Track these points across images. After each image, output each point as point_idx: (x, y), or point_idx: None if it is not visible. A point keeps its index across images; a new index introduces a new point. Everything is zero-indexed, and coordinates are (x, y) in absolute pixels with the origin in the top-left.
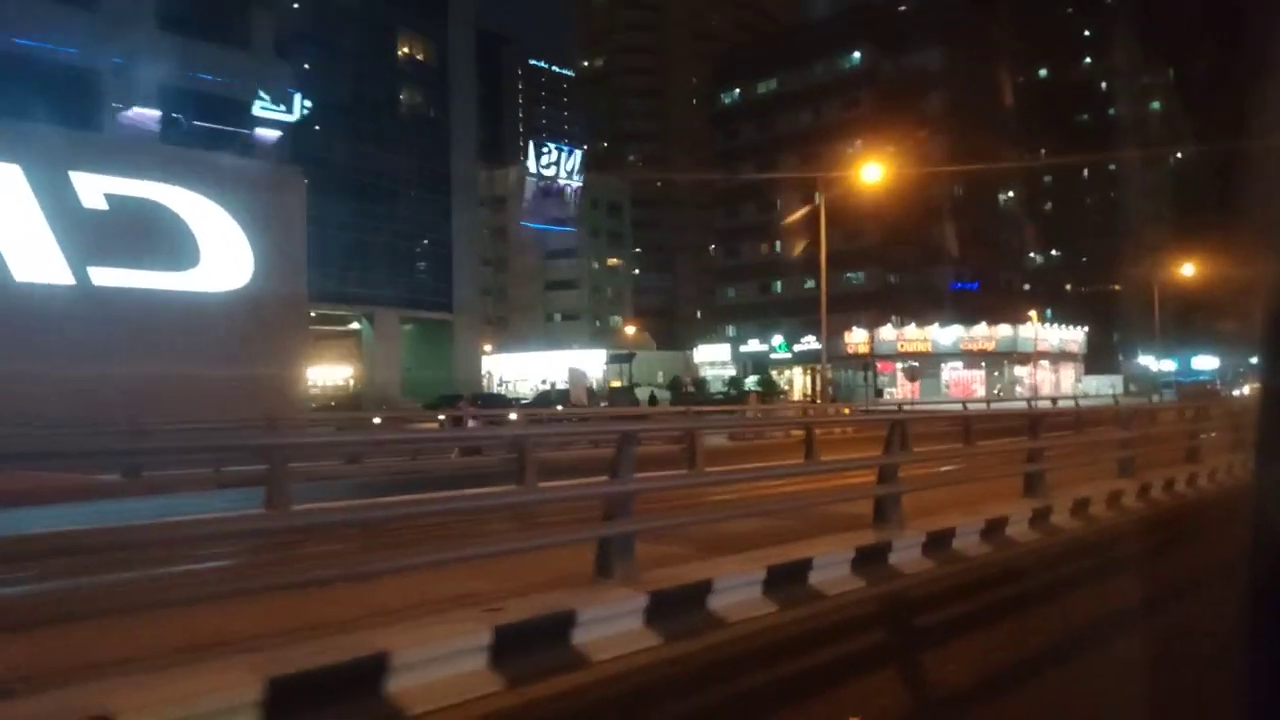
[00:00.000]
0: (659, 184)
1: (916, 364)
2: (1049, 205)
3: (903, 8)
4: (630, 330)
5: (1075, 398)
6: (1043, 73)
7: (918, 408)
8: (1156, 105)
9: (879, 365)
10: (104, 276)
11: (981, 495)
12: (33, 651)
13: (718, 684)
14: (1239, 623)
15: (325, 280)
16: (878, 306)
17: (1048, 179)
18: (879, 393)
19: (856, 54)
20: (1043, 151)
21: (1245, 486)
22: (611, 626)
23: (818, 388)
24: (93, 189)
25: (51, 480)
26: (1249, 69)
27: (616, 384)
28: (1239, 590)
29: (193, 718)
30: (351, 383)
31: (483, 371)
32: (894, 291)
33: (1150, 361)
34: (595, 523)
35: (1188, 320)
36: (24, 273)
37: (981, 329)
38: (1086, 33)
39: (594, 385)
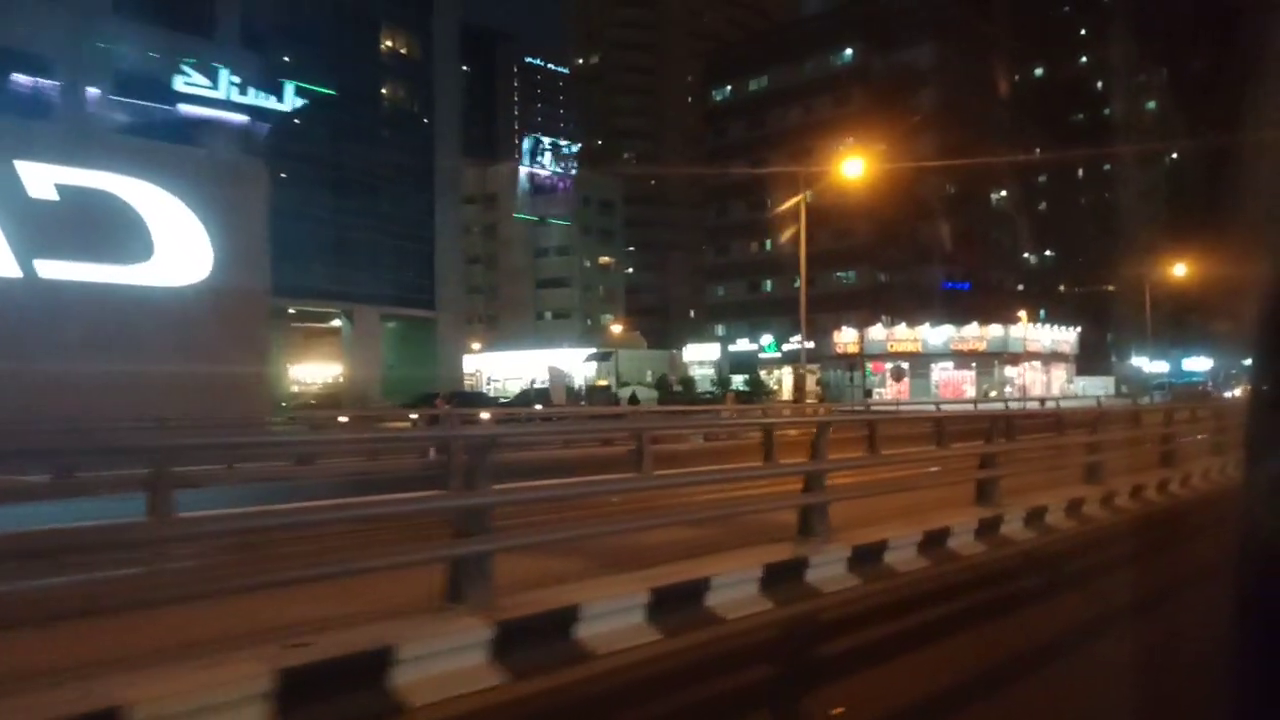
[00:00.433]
0: (652, 182)
1: (905, 364)
2: (1043, 205)
3: (895, 4)
4: (617, 329)
5: (1057, 399)
6: (1038, 71)
7: (902, 408)
8: (1151, 105)
9: (872, 365)
10: (52, 269)
11: (932, 503)
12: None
13: None
14: (1226, 633)
15: (305, 276)
16: (868, 306)
17: (1041, 179)
18: (868, 393)
19: (848, 51)
20: (1037, 151)
21: (1221, 492)
22: (442, 663)
23: (798, 387)
24: (41, 179)
25: None
26: (1243, 68)
27: (602, 383)
28: (1227, 597)
29: None
30: (340, 380)
31: (472, 370)
32: (884, 291)
33: (1143, 363)
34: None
35: (1182, 321)
36: None
37: (972, 329)
38: (1082, 31)
39: (574, 384)
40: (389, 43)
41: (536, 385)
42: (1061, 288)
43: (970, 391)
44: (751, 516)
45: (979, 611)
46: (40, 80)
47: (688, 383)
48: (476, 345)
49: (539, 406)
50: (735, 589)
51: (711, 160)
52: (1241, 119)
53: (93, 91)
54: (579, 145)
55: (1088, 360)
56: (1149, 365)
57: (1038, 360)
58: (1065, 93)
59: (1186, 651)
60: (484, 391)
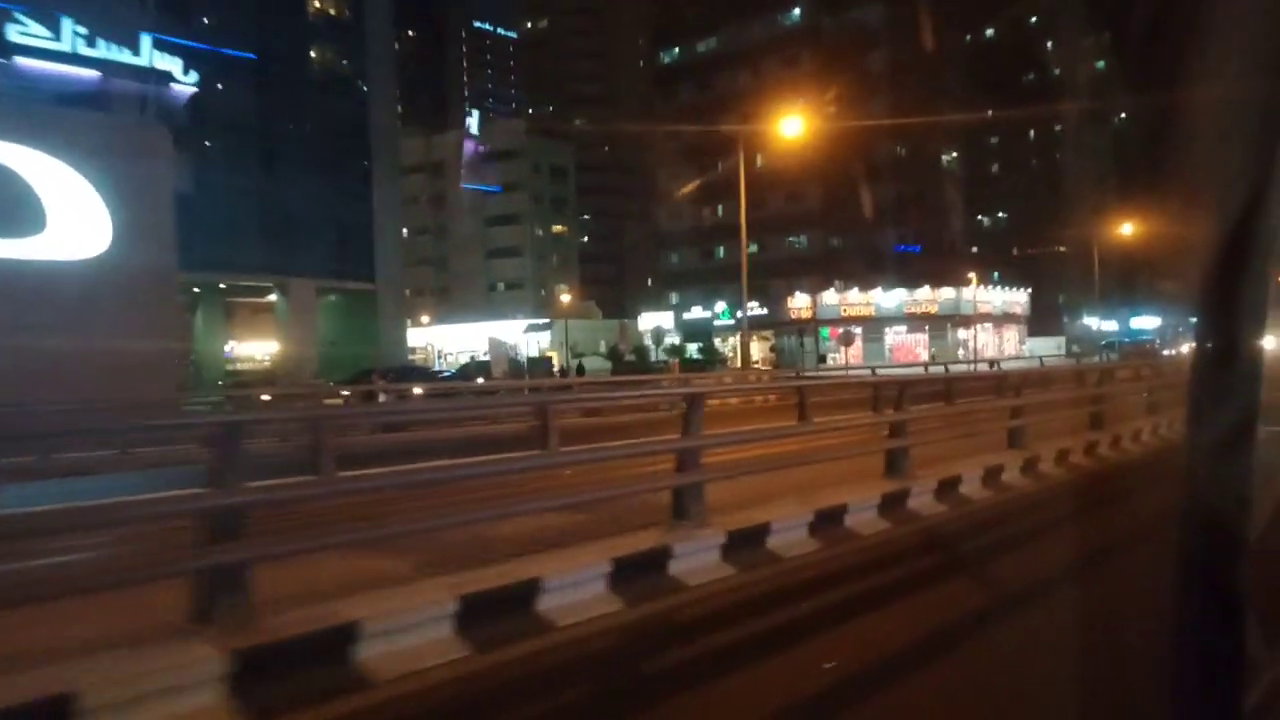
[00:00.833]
0: (606, 148)
1: (856, 329)
2: (995, 167)
3: None
4: (565, 298)
5: (997, 361)
6: (988, 32)
7: (838, 374)
8: (1099, 64)
9: (830, 331)
10: None
11: (834, 477)
12: None
13: None
14: (1169, 601)
15: (237, 250)
16: (821, 270)
17: (993, 140)
18: (822, 358)
19: (796, 10)
20: (989, 113)
21: (1153, 454)
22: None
23: (744, 355)
24: None
25: None
26: (1186, 26)
27: (552, 354)
28: (1169, 560)
29: None
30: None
31: (423, 344)
32: (837, 255)
33: (1094, 323)
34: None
35: (1131, 281)
36: None
37: (924, 292)
38: None
39: (518, 356)
40: (317, 3)
41: (478, 358)
42: (1015, 250)
43: (924, 355)
44: (636, 499)
45: (867, 598)
46: None
47: (641, 352)
48: (425, 318)
49: (480, 380)
50: (578, 589)
51: (661, 124)
52: (1184, 77)
53: None
54: (529, 111)
55: (1040, 321)
56: (1099, 325)
57: (990, 322)
58: (1015, 54)
59: (1074, 646)
60: (428, 366)
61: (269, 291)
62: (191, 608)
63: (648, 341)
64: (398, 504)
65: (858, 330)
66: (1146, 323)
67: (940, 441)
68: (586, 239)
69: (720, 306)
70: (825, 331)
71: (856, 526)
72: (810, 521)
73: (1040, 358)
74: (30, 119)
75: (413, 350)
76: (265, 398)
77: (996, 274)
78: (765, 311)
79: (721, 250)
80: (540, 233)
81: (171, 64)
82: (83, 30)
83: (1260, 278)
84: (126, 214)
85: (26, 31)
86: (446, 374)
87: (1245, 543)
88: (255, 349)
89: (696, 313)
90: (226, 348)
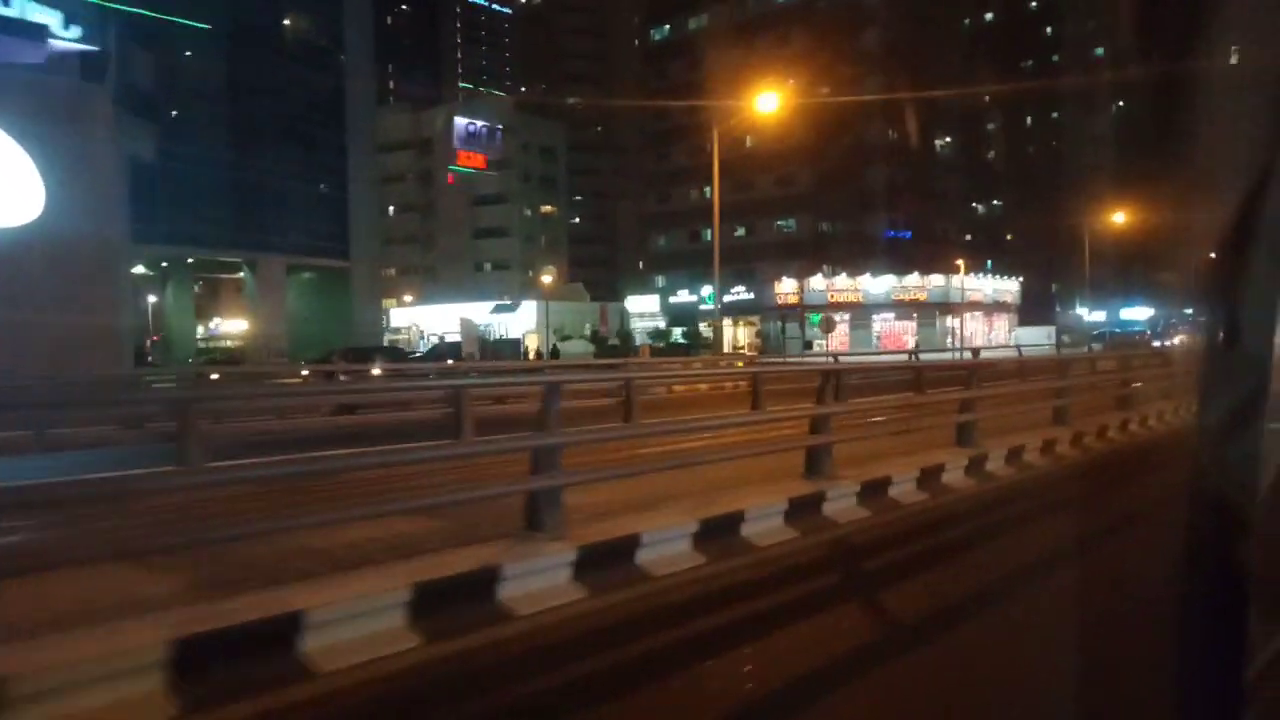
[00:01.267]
0: (599, 128)
1: (837, 316)
2: (991, 154)
3: None
4: (546, 279)
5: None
6: (988, 16)
7: (789, 362)
8: (1100, 51)
9: (824, 316)
10: None
11: (743, 478)
12: None
13: None
14: (1177, 582)
15: (206, 224)
16: (809, 255)
17: (990, 126)
18: (808, 345)
19: None
20: (986, 98)
21: (1117, 454)
22: None
23: (717, 340)
24: None
25: None
26: (1192, 16)
27: (531, 336)
28: (1178, 545)
29: None
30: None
31: (407, 323)
32: (826, 239)
33: (1087, 312)
34: None
35: (1127, 271)
36: None
37: (913, 279)
38: None
39: (490, 337)
40: None
41: (450, 339)
42: (1009, 238)
43: (911, 342)
44: (504, 502)
45: (745, 626)
46: None
47: (625, 335)
48: (409, 297)
49: (450, 361)
50: (360, 623)
51: (648, 102)
52: (1188, 70)
53: None
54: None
55: (1031, 310)
56: (1091, 315)
57: (980, 310)
58: (1015, 38)
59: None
60: (402, 346)
61: (239, 268)
62: None
63: (637, 325)
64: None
65: (841, 316)
66: (1139, 314)
67: (878, 437)
68: (579, 220)
69: (707, 290)
70: (816, 317)
71: (754, 536)
72: (695, 532)
73: (1019, 347)
74: None
75: (397, 330)
76: (214, 376)
77: (990, 262)
78: (752, 296)
79: (708, 233)
80: (529, 213)
81: (49, 17)
82: None
83: (1268, 263)
84: (62, 179)
85: None
86: (416, 355)
87: (1250, 523)
88: (234, 326)
89: (683, 296)
90: (212, 325)
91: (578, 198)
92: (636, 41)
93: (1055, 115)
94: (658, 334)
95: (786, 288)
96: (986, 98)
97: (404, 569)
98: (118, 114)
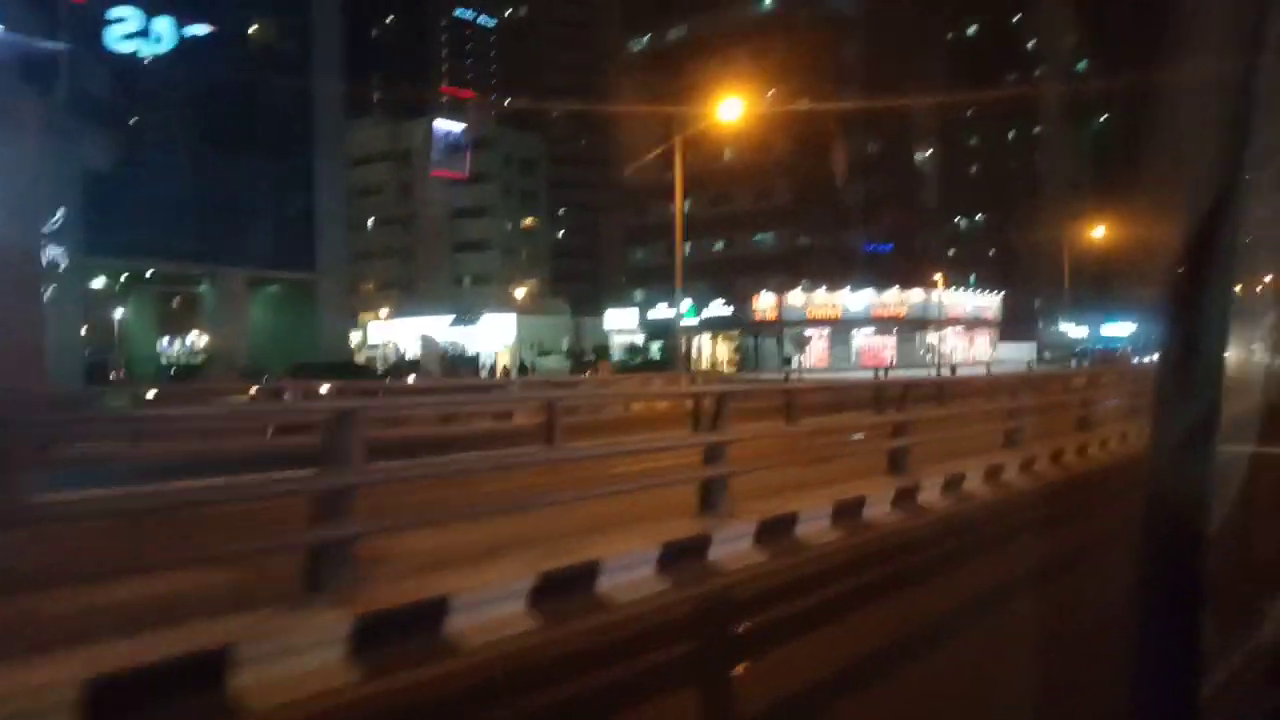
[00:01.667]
0: (582, 141)
1: (814, 331)
2: (973, 168)
3: None
4: (519, 293)
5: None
6: (970, 30)
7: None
8: (1083, 66)
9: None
10: None
11: (627, 515)
12: None
13: None
14: (1129, 605)
15: (160, 236)
16: (789, 269)
17: (972, 141)
18: (786, 361)
19: None
20: (968, 112)
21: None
22: None
23: (685, 356)
24: None
25: None
26: (1173, 29)
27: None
28: (1131, 567)
29: None
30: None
31: (383, 339)
32: (806, 253)
33: (1071, 328)
34: None
35: (1108, 286)
36: None
37: (893, 294)
38: None
39: (461, 353)
40: None
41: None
42: (991, 252)
43: (889, 358)
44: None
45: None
46: None
47: (600, 350)
48: (383, 311)
49: (411, 378)
50: None
51: (627, 114)
52: (1164, 82)
53: None
54: (506, 103)
55: (1014, 326)
56: (1074, 331)
57: (960, 326)
58: (997, 52)
59: None
60: (368, 362)
61: (199, 281)
62: None
63: (616, 340)
64: None
65: (812, 333)
66: (1120, 329)
67: (801, 464)
68: (562, 234)
69: (685, 304)
70: (799, 334)
71: (612, 591)
72: (532, 588)
73: (987, 365)
74: None
75: (375, 345)
76: (149, 395)
77: (973, 276)
78: (731, 311)
79: (688, 246)
80: (510, 226)
81: None
82: None
83: (1223, 279)
84: None
85: None
86: (381, 372)
87: (1205, 539)
88: (194, 343)
89: (662, 310)
90: (187, 340)
91: (561, 211)
92: (616, 53)
93: (1037, 129)
94: (634, 349)
95: (765, 303)
96: (969, 112)
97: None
98: (67, 121)
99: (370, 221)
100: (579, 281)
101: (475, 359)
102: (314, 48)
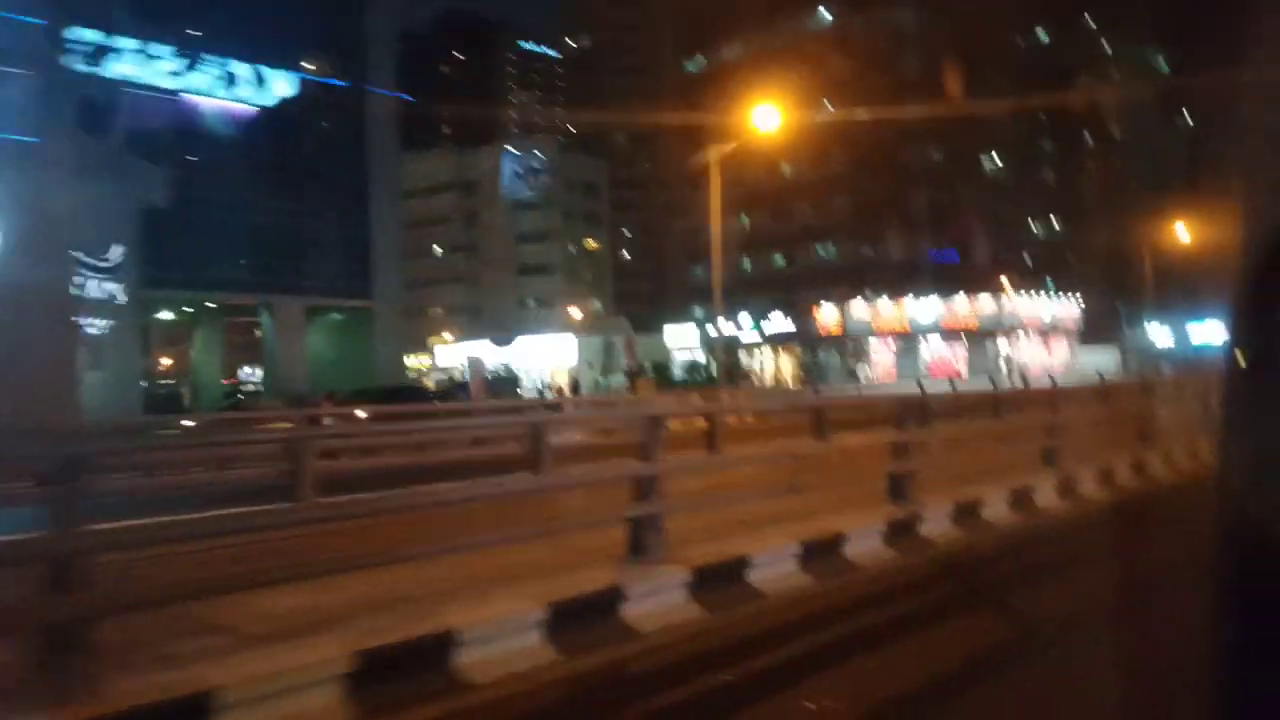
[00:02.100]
0: (648, 165)
1: (884, 344)
2: (1048, 172)
3: None
4: (574, 313)
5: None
6: (1040, 32)
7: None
8: (1163, 65)
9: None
10: None
11: (548, 562)
12: None
13: None
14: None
15: (221, 268)
16: (851, 281)
17: (1046, 146)
18: (852, 375)
19: (824, 12)
20: (1043, 117)
21: (1116, 506)
22: None
23: (731, 372)
24: None
25: None
26: (1253, 27)
27: (567, 374)
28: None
29: None
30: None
31: (450, 364)
32: (869, 265)
33: (1158, 332)
34: None
35: (1197, 290)
36: None
37: (962, 302)
38: None
39: (505, 374)
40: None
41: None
42: (1070, 257)
43: (964, 370)
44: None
45: None
46: None
47: (660, 368)
48: (448, 336)
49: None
50: None
51: (685, 134)
52: (1247, 78)
53: None
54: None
55: (1095, 332)
56: (1162, 335)
57: (1036, 333)
58: (1067, 54)
59: None
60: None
61: (256, 310)
62: None
63: (677, 357)
64: None
65: (879, 345)
66: (1209, 333)
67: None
68: (628, 256)
69: (747, 320)
70: (866, 346)
71: (468, 667)
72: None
73: (1052, 376)
74: None
75: (442, 369)
76: (185, 425)
77: (1050, 280)
78: (793, 326)
79: (747, 262)
80: (572, 249)
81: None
82: None
83: None
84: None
85: None
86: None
87: None
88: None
89: (721, 326)
90: (245, 370)
91: (627, 234)
92: (672, 75)
93: (1115, 133)
94: (694, 366)
95: (828, 316)
96: (1043, 116)
97: None
98: (124, 160)
99: (438, 249)
100: (641, 301)
101: (515, 380)
102: (370, 80)
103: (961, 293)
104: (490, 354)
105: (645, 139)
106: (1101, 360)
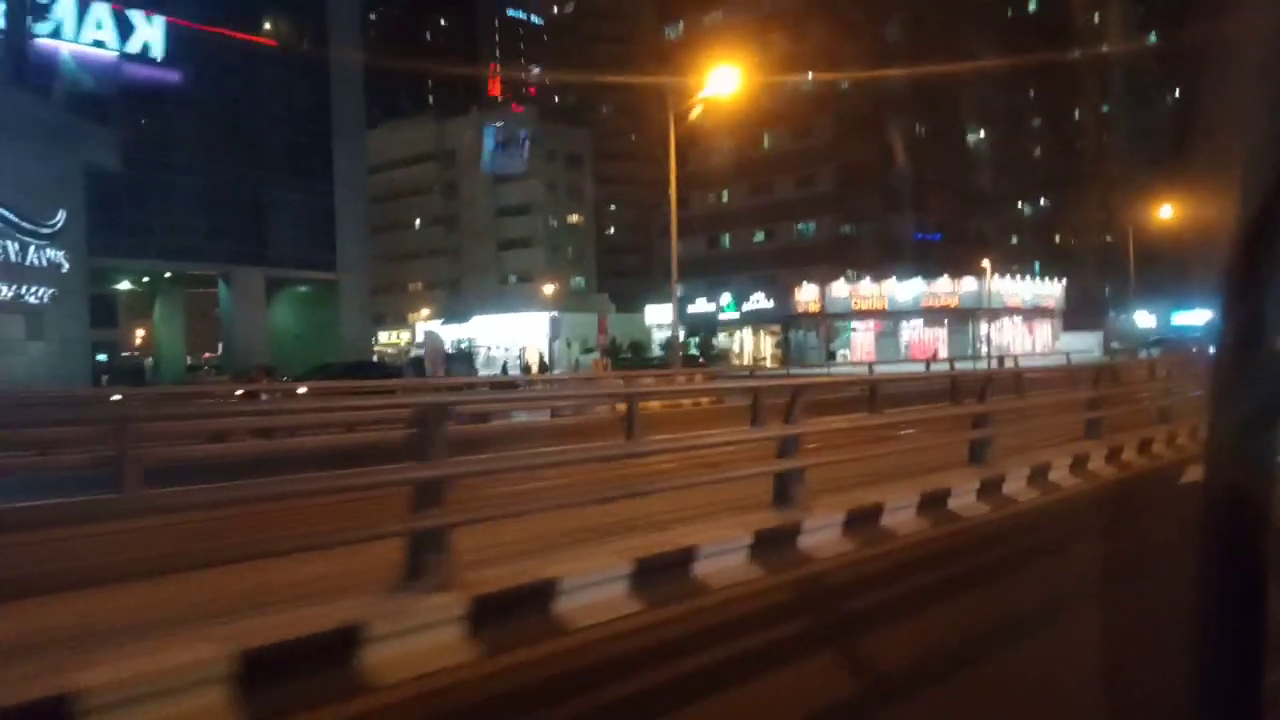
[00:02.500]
0: (632, 136)
1: (864, 324)
2: (1034, 150)
3: None
4: (549, 289)
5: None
6: (1029, 4)
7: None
8: (1152, 38)
9: (876, 324)
10: None
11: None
12: None
13: None
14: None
15: (179, 237)
16: (832, 259)
17: (1033, 123)
18: (831, 355)
19: None
20: (1030, 93)
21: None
22: None
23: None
24: None
25: None
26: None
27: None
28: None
29: None
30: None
31: (420, 340)
32: (850, 243)
33: (1150, 316)
34: None
35: (1183, 272)
36: None
37: (944, 283)
38: None
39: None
40: None
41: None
42: (1056, 238)
43: (944, 351)
44: None
45: None
46: None
47: (637, 347)
48: (425, 311)
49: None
50: None
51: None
52: (1236, 55)
53: None
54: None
55: (1078, 315)
56: (1147, 319)
57: (1019, 316)
58: (1054, 27)
59: None
60: (384, 362)
61: (214, 282)
62: None
63: (656, 335)
64: None
65: (859, 325)
66: (1194, 318)
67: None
68: (612, 230)
69: (725, 299)
70: (848, 326)
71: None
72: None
73: (1015, 359)
74: None
75: (420, 345)
76: (116, 397)
77: (1037, 264)
78: (773, 304)
79: (727, 239)
80: (554, 223)
81: None
82: None
83: None
84: None
85: None
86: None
87: (1269, 519)
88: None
89: (702, 305)
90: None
91: (612, 207)
92: (654, 44)
93: (1105, 109)
94: (670, 344)
95: (807, 295)
96: (1030, 92)
97: None
98: (71, 122)
99: (417, 221)
100: (626, 277)
101: (470, 356)
102: (331, 46)
103: (943, 274)
104: (455, 331)
105: (630, 111)
106: (1083, 344)
